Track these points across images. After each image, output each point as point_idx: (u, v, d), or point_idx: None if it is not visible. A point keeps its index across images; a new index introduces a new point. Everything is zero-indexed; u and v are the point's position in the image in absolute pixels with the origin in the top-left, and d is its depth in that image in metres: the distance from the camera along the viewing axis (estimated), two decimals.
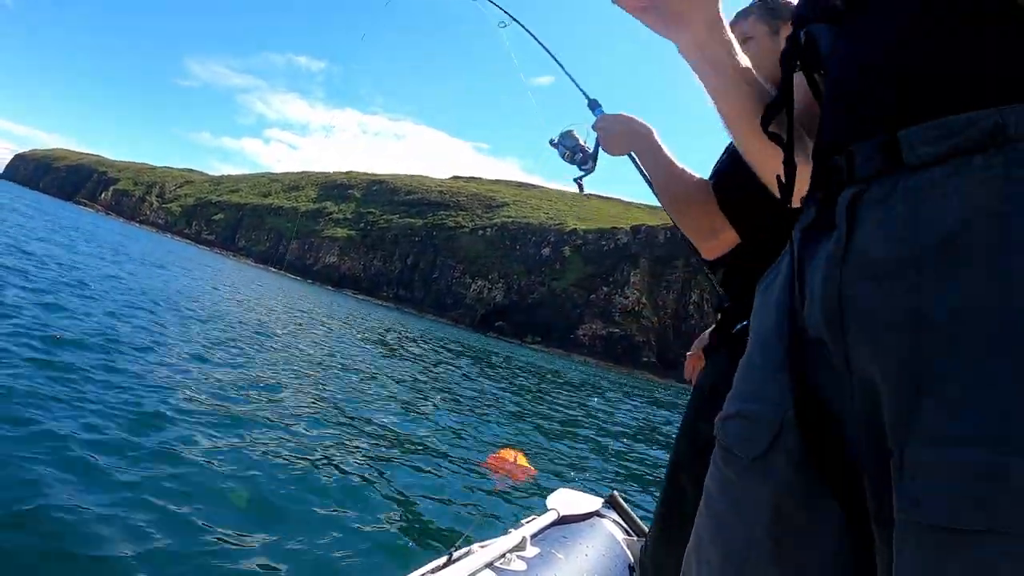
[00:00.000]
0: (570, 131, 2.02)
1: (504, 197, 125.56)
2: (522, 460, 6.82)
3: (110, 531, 3.14)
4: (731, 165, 1.58)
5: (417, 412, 9.03)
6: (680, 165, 1.74)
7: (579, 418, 14.06)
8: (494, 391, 15.04)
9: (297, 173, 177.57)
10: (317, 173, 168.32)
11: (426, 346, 26.10)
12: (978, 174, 0.60)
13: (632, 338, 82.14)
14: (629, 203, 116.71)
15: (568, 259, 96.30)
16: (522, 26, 2.47)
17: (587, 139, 2.00)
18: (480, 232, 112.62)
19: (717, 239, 1.62)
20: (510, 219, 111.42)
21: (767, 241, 1.31)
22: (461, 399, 11.89)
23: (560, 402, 16.62)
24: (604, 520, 2.57)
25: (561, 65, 2.34)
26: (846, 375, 0.69)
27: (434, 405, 10.18)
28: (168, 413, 5.28)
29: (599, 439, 11.20)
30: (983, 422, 0.54)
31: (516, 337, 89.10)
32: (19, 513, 3.06)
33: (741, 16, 1.96)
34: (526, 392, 17.30)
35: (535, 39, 2.46)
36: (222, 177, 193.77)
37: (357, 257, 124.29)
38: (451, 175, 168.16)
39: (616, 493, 2.76)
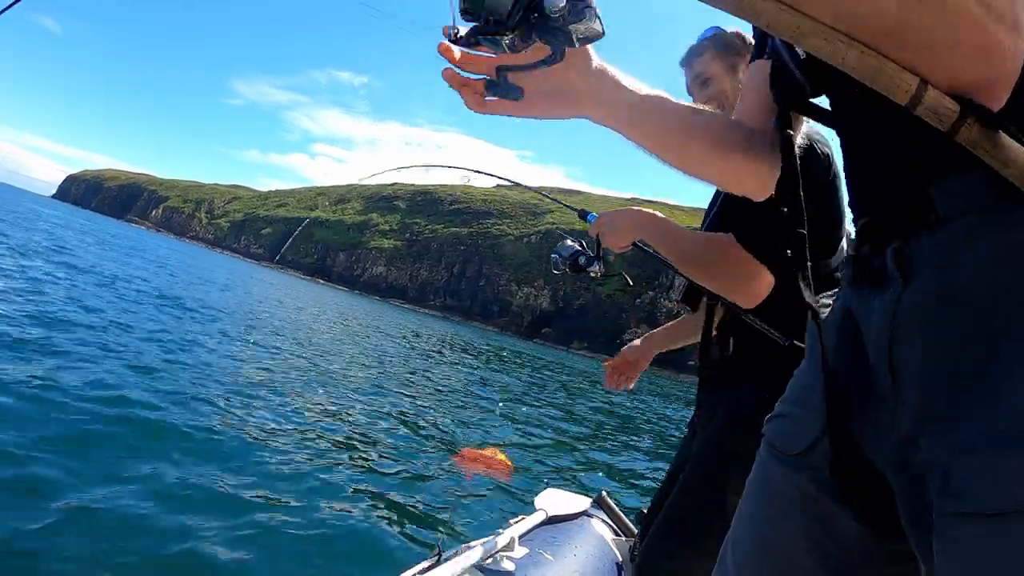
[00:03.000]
0: (562, 242, 2.01)
1: (548, 204, 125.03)
2: (501, 456, 6.79)
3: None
4: (747, 214, 1.55)
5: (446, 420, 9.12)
6: (692, 232, 1.74)
7: (592, 420, 13.97)
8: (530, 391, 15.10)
9: (343, 186, 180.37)
10: (362, 185, 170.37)
11: (489, 355, 26.89)
12: (1003, 224, 0.65)
13: None
14: (674, 206, 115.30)
15: (613, 264, 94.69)
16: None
17: (580, 242, 2.01)
18: (525, 239, 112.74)
19: (754, 282, 1.61)
20: (555, 225, 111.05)
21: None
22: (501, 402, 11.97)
23: (585, 405, 16.58)
24: (593, 520, 2.55)
25: (549, 196, 2.44)
26: (892, 402, 0.74)
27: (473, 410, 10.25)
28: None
29: (600, 440, 11.06)
30: (1011, 428, 0.60)
31: (562, 343, 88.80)
32: None
33: (694, 54, 1.96)
34: (545, 392, 17.31)
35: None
36: (269, 192, 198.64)
37: (404, 267, 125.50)
38: (495, 184, 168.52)
39: (604, 493, 2.73)
